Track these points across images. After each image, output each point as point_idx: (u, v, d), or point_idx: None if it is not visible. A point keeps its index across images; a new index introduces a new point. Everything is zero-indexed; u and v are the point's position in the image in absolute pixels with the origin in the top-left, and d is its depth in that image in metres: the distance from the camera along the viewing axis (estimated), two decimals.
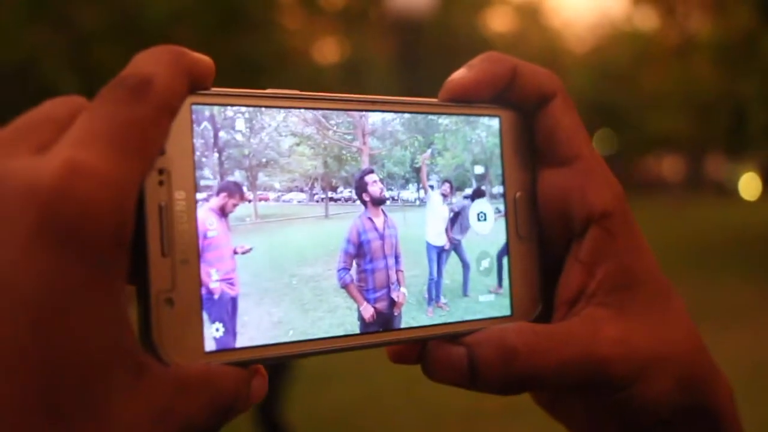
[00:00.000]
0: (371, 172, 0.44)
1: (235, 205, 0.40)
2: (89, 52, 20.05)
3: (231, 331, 0.39)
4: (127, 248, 0.33)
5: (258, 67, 22.65)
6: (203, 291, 0.38)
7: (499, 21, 42.84)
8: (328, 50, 33.95)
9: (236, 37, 19.61)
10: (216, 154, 0.39)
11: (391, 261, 0.44)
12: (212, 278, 0.39)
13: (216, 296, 0.38)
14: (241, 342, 0.39)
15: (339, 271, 0.43)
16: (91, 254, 0.32)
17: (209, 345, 0.38)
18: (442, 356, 0.44)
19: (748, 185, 40.03)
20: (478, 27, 37.96)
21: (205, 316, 0.38)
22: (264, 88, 0.45)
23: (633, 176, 47.80)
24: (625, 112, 36.61)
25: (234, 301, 0.39)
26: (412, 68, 13.02)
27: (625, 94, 36.75)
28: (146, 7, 16.97)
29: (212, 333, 0.38)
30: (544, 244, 0.49)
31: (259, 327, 0.40)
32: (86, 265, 0.31)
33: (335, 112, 0.43)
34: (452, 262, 0.47)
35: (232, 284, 0.39)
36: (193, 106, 0.39)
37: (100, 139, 0.34)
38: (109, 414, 0.32)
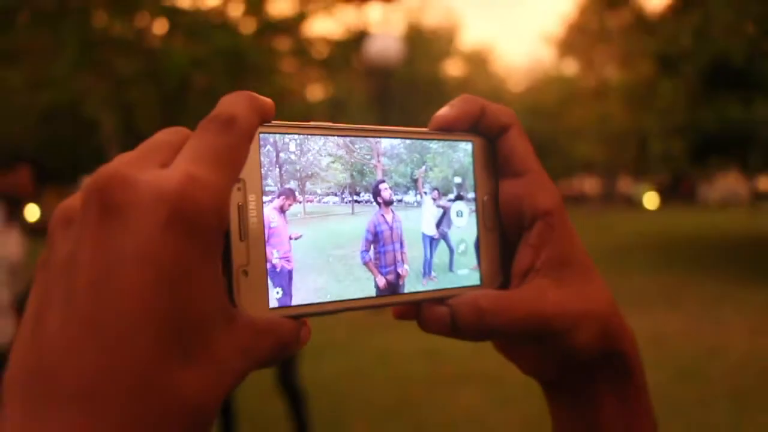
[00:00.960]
0: (383, 182, 0.47)
1: (290, 205, 0.43)
2: (125, 94, 19.89)
3: (287, 293, 0.42)
4: (223, 236, 0.37)
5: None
6: (268, 266, 0.41)
7: (453, 68, 42.79)
8: (316, 90, 33.75)
9: (242, 80, 19.44)
10: (276, 169, 0.42)
11: (397, 246, 0.48)
12: (274, 256, 0.42)
13: (277, 269, 0.42)
14: (294, 301, 0.43)
15: (361, 252, 0.46)
16: (203, 240, 0.35)
17: (272, 303, 0.42)
18: (432, 313, 0.48)
19: (650, 198, 40.32)
20: (437, 73, 37.93)
21: (269, 283, 0.42)
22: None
23: (560, 192, 47.99)
24: (553, 142, 36.66)
25: (290, 273, 0.42)
26: (385, 105, 13.00)
27: (552, 127, 36.81)
28: (169, 56, 16.83)
29: (274, 295, 0.42)
30: (504, 234, 0.52)
31: (306, 291, 0.43)
32: (199, 247, 0.35)
33: (358, 138, 0.46)
34: (440, 247, 0.50)
35: (288, 261, 0.42)
36: (261, 135, 0.42)
37: (205, 159, 0.37)
38: (214, 348, 0.36)
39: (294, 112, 27.60)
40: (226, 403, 5.38)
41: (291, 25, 21.66)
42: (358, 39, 21.46)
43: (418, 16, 38.47)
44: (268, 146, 0.42)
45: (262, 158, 0.41)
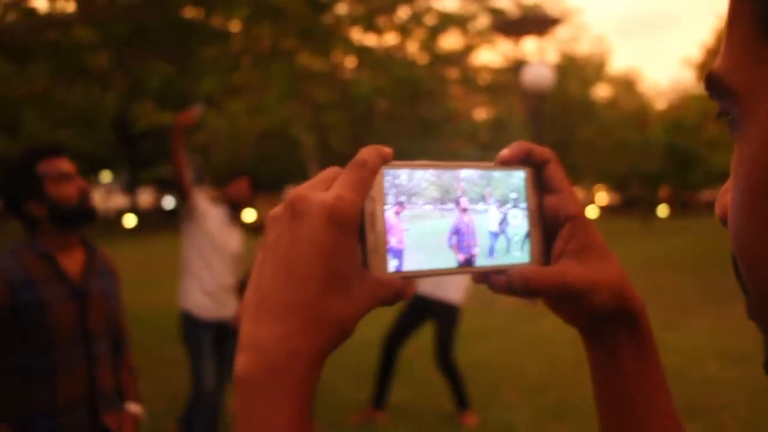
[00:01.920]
0: (462, 196, 0.60)
1: (401, 210, 0.57)
2: (321, 118, 20.70)
3: (400, 263, 0.56)
4: (359, 229, 0.55)
5: (432, 125, 22.81)
6: (388, 246, 0.56)
7: (602, 90, 41.52)
8: (480, 112, 33.65)
9: (418, 104, 19.75)
10: (393, 189, 0.56)
11: (471, 237, 0.60)
12: (392, 241, 0.56)
13: (393, 248, 0.56)
14: (404, 268, 0.57)
15: (448, 239, 0.59)
16: (346, 230, 0.53)
17: (390, 269, 0.56)
18: (496, 280, 0.61)
19: None
20: (587, 95, 36.96)
21: (388, 256, 0.56)
22: (418, 157, 0.63)
23: (699, 199, 45.31)
24: (694, 155, 34.88)
25: (401, 251, 0.56)
26: (539, 124, 12.92)
27: (692, 141, 35.04)
28: (356, 86, 17.34)
29: (392, 264, 0.56)
30: (545, 231, 0.63)
31: (411, 262, 0.57)
32: (344, 234, 0.54)
33: (446, 170, 0.59)
34: (501, 238, 0.61)
35: (400, 243, 0.56)
36: (385, 170, 0.57)
37: (347, 186, 0.54)
38: (352, 291, 0.54)
39: (460, 133, 27.72)
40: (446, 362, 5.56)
41: (459, 57, 21.76)
42: (516, 67, 21.33)
43: (571, 45, 37.64)
44: (389, 176, 0.58)
45: (385, 183, 0.57)
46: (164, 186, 42.08)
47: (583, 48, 40.14)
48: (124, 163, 33.28)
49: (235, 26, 9.05)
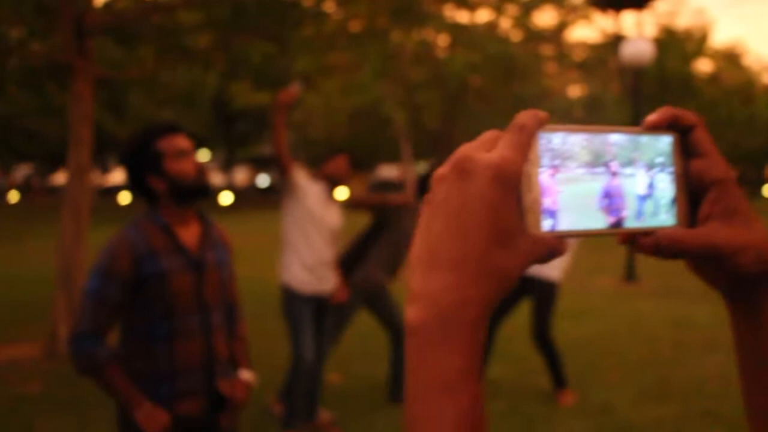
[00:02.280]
0: (613, 160, 0.61)
1: (555, 173, 0.59)
2: (413, 96, 20.70)
3: (554, 223, 0.58)
4: (518, 188, 0.58)
5: (525, 103, 22.49)
6: (542, 207, 0.57)
7: (704, 64, 39.89)
8: (574, 89, 32.95)
9: (511, 81, 19.52)
10: (548, 152, 0.58)
11: (621, 200, 0.61)
12: (546, 202, 0.58)
13: (548, 209, 0.58)
14: (557, 228, 0.58)
15: (599, 201, 0.60)
16: (508, 189, 0.56)
17: (545, 228, 0.57)
18: (644, 241, 0.62)
19: None
20: (687, 70, 35.60)
21: (543, 216, 0.57)
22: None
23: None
24: None
25: (555, 211, 0.58)
26: (637, 101, 12.55)
27: None
28: (450, 63, 17.27)
29: (546, 223, 0.58)
30: (691, 194, 0.64)
31: (565, 222, 0.58)
32: (509, 193, 0.56)
33: (596, 134, 0.61)
34: (648, 201, 0.62)
35: (555, 204, 0.58)
36: (540, 133, 0.59)
37: (509, 148, 0.58)
38: (513, 245, 0.56)
39: (555, 110, 27.22)
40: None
41: (553, 34, 21.33)
42: (613, 43, 20.76)
43: (671, 18, 36.26)
44: (544, 140, 0.59)
45: (540, 146, 0.59)
46: (259, 164, 42.99)
47: (683, 21, 38.63)
48: (221, 142, 34.20)
49: (329, 6, 9.13)
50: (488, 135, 0.61)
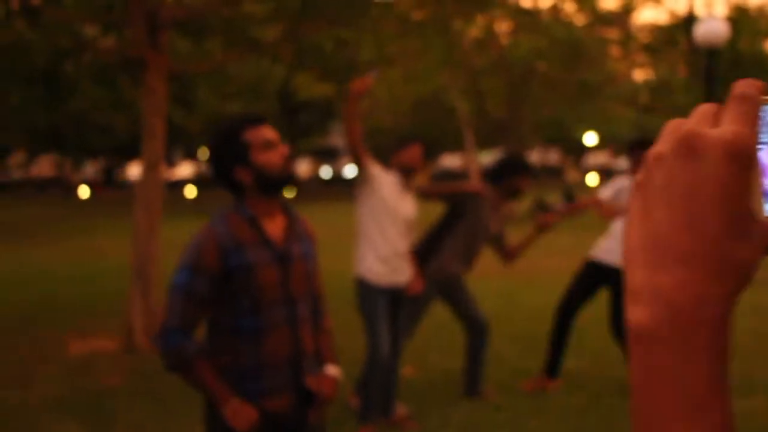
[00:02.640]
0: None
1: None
2: (477, 84, 20.49)
3: None
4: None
5: (590, 88, 22.03)
6: (764, 189, 0.50)
7: None
8: (639, 73, 32.18)
9: (577, 65, 19.15)
10: (765, 127, 0.50)
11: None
12: (766, 184, 0.50)
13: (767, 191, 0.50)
14: None
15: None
16: (746, 168, 0.48)
17: (767, 212, 0.50)
18: None
19: None
20: (760, 49, 34.35)
21: (765, 200, 0.50)
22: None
23: None
24: None
25: None
26: (710, 83, 12.13)
27: None
28: (514, 49, 17.02)
29: (766, 208, 0.50)
30: None
31: None
32: (743, 172, 0.47)
33: None
34: None
35: None
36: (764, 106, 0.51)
37: (741, 121, 0.49)
38: (751, 233, 0.48)
39: (620, 95, 26.61)
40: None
41: (619, 16, 20.83)
42: (684, 23, 20.17)
43: None
44: (764, 113, 0.51)
45: (763, 120, 0.50)
46: (321, 156, 43.29)
47: None
48: (284, 134, 34.52)
49: None
50: (704, 109, 0.52)
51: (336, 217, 20.25)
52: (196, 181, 39.09)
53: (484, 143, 31.03)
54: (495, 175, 5.09)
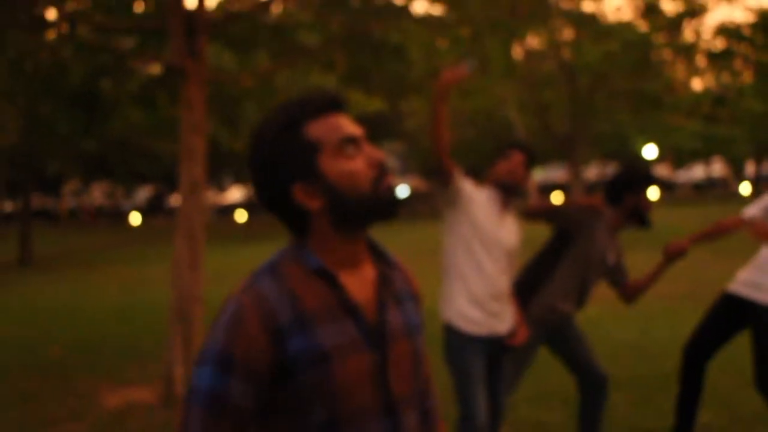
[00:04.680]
0: None
1: None
2: (537, 96, 19.37)
3: None
4: None
5: (652, 97, 20.72)
6: None
7: None
8: (701, 81, 30.75)
9: (645, 73, 17.93)
10: None
11: None
12: None
13: None
14: None
15: None
16: None
17: None
18: None
19: None
20: None
21: None
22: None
23: None
24: None
25: None
26: None
27: None
28: (582, 55, 15.90)
29: None
30: None
31: None
32: None
33: None
34: None
35: None
36: None
37: None
38: None
39: (680, 104, 25.16)
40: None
41: (684, 21, 19.54)
42: (761, 24, 18.80)
43: None
44: None
45: None
46: None
47: None
48: None
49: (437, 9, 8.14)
50: None
51: (410, 236, 19.26)
52: (247, 204, 38.33)
53: (541, 159, 29.84)
54: (612, 193, 4.01)
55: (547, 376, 5.39)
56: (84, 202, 41.36)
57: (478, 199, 3.61)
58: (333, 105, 1.45)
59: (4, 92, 10.17)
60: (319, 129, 1.42)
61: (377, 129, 29.57)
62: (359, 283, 1.46)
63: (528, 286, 3.99)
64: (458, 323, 3.58)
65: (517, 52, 15.58)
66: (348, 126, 1.44)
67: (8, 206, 32.40)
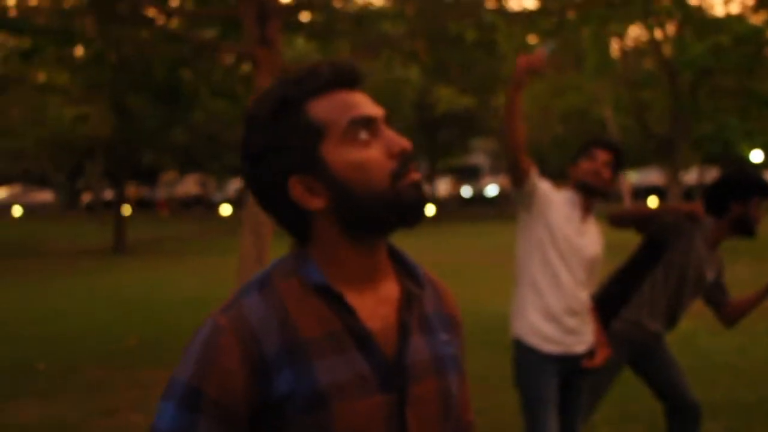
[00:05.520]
0: None
1: None
2: (635, 94, 18.55)
3: None
4: None
5: (763, 98, 19.48)
6: None
7: None
8: None
9: (751, 72, 16.86)
10: None
11: None
12: None
13: None
14: None
15: None
16: None
17: None
18: None
19: None
20: None
21: None
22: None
23: None
24: None
25: None
26: None
27: None
28: (685, 50, 15.03)
29: None
30: None
31: None
32: None
33: None
34: None
35: None
36: None
37: None
38: None
39: None
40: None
41: None
42: None
43: None
44: None
45: None
46: (462, 175, 41.97)
47: None
48: (423, 151, 33.29)
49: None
50: None
51: (480, 237, 18.83)
52: None
53: (636, 161, 28.73)
54: (716, 200, 3.54)
55: (632, 395, 4.94)
56: (159, 194, 42.51)
57: (556, 201, 3.24)
58: (343, 78, 1.15)
59: (95, 85, 10.33)
60: (323, 108, 1.12)
61: (467, 126, 29.11)
62: (375, 304, 1.16)
63: (611, 300, 3.58)
64: (530, 339, 3.22)
65: (614, 49, 14.88)
66: (362, 105, 1.13)
67: (108, 195, 33.71)
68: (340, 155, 1.10)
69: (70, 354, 7.47)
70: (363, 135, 1.11)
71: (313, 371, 1.07)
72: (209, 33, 7.94)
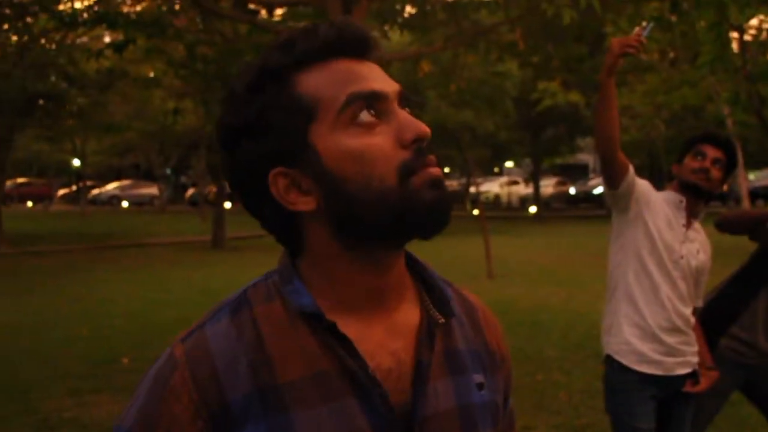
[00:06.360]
0: None
1: None
2: (754, 89, 17.43)
3: None
4: None
5: None
6: None
7: None
8: None
9: None
10: None
11: None
12: None
13: None
14: None
15: None
16: None
17: None
18: None
19: None
20: None
21: None
22: None
23: None
24: None
25: None
26: None
27: None
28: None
29: None
30: None
31: None
32: None
33: None
34: None
35: None
36: None
37: None
38: None
39: None
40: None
41: None
42: None
43: None
44: None
45: None
46: (568, 175, 40.95)
47: None
48: (526, 149, 32.52)
49: None
50: None
51: (583, 238, 18.18)
52: None
53: (756, 161, 27.21)
54: None
55: (747, 423, 4.49)
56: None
57: (657, 203, 2.89)
58: (347, 43, 0.88)
59: (184, 76, 10.47)
60: (316, 81, 0.86)
61: (574, 124, 28.25)
62: (384, 336, 0.90)
63: (719, 316, 3.19)
64: (624, 358, 2.88)
65: (733, 39, 13.94)
66: (368, 78, 0.87)
67: (212, 189, 34.64)
68: (334, 142, 0.84)
69: (156, 349, 7.52)
70: (365, 116, 0.85)
71: (293, 426, 0.82)
72: (300, 25, 7.91)
